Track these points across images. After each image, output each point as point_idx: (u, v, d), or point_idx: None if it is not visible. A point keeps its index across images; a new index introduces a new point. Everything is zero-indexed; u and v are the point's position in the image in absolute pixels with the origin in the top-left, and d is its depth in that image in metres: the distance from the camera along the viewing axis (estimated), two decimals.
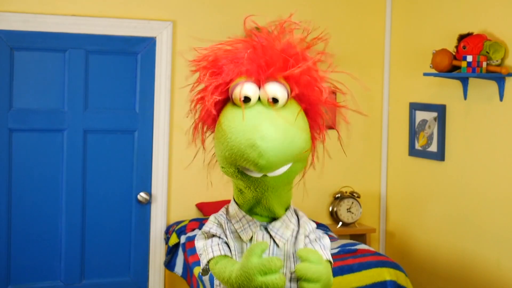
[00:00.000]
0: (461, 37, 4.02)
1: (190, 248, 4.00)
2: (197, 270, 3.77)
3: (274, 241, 1.82)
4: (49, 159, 4.30)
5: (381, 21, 4.90)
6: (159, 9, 4.46)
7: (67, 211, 4.34)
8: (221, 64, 1.76)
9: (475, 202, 4.12)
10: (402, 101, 4.76)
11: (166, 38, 4.44)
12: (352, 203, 4.78)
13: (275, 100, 1.70)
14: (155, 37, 4.44)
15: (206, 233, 1.87)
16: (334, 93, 1.83)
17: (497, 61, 3.88)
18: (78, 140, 4.34)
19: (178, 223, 4.36)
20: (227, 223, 1.85)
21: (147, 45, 4.43)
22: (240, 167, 1.71)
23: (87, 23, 4.31)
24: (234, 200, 1.87)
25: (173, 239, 4.24)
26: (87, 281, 4.42)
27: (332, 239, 4.13)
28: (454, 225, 4.29)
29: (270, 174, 1.70)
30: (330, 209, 4.83)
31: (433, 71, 4.22)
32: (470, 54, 3.90)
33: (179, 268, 4.18)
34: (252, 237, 1.82)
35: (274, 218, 1.84)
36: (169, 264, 4.29)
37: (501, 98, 3.92)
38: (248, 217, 1.83)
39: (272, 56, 1.73)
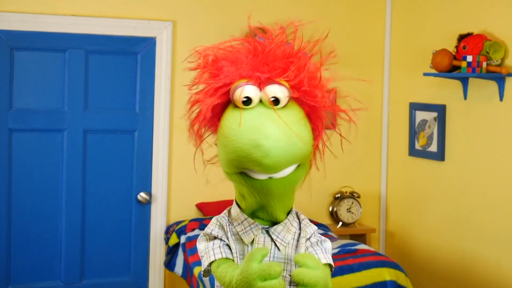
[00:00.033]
0: (461, 37, 4.02)
1: (190, 248, 4.00)
2: (197, 270, 3.77)
3: (276, 245, 1.82)
4: (49, 159, 4.31)
5: (381, 21, 4.90)
6: (159, 9, 4.46)
7: (67, 211, 4.34)
8: (221, 65, 1.76)
9: (475, 202, 4.12)
10: (402, 101, 4.76)
11: (166, 38, 4.44)
12: (352, 203, 4.78)
13: (276, 101, 1.71)
14: (155, 37, 4.44)
15: (207, 235, 1.87)
16: (334, 94, 1.83)
17: (497, 61, 3.88)
18: (78, 140, 4.34)
19: (178, 223, 4.36)
20: (228, 225, 1.85)
21: (147, 45, 4.43)
22: (245, 170, 1.71)
23: (87, 23, 4.31)
24: (236, 203, 1.87)
25: (173, 239, 4.24)
26: (87, 281, 4.42)
27: (332, 239, 4.13)
28: (454, 225, 4.29)
29: (275, 176, 1.70)
30: (330, 209, 4.83)
31: (433, 71, 4.22)
32: (470, 54, 3.90)
33: (179, 268, 4.18)
34: (253, 240, 1.82)
35: (275, 221, 1.85)
36: (169, 264, 4.29)
37: (501, 98, 3.92)
38: (250, 220, 1.83)
39: (274, 60, 1.73)
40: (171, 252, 4.29)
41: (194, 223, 4.24)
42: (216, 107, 1.77)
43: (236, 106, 1.73)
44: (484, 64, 3.88)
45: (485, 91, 4.03)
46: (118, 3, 4.39)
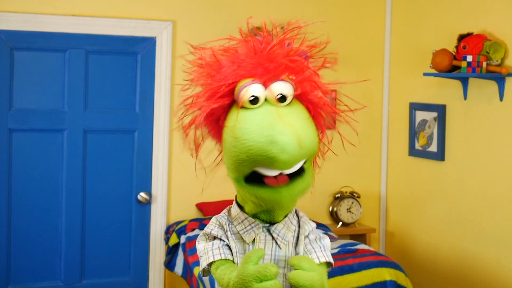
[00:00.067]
0: (461, 37, 4.02)
1: (190, 248, 4.00)
2: (197, 270, 3.77)
3: (276, 243, 1.83)
4: (49, 159, 4.31)
5: (381, 21, 4.90)
6: (159, 9, 4.46)
7: (67, 211, 4.34)
8: (221, 65, 1.76)
9: (475, 202, 4.12)
10: (402, 101, 4.76)
11: (166, 38, 4.44)
12: (352, 203, 4.78)
13: (282, 98, 1.71)
14: (155, 37, 4.44)
15: (207, 234, 1.88)
16: (334, 94, 1.84)
17: (497, 61, 3.88)
18: (78, 140, 4.34)
19: (178, 223, 4.36)
20: (228, 225, 1.86)
21: (147, 45, 4.43)
22: (256, 169, 1.71)
23: (87, 23, 4.31)
24: (237, 202, 1.87)
25: (173, 239, 4.24)
26: (87, 281, 4.42)
27: (332, 239, 4.13)
28: (454, 225, 4.29)
29: (287, 172, 1.70)
30: (330, 209, 4.83)
31: (433, 71, 4.22)
32: (470, 54, 3.90)
33: (179, 268, 4.18)
34: (254, 239, 1.82)
35: (275, 221, 1.85)
36: (169, 264, 4.29)
37: (501, 98, 3.92)
38: (250, 219, 1.83)
39: (275, 58, 1.74)
40: (171, 252, 4.29)
41: (194, 223, 4.24)
42: (216, 109, 1.77)
43: (241, 107, 1.73)
44: (484, 64, 3.88)
45: (485, 91, 4.03)
46: (118, 3, 4.39)
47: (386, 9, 4.88)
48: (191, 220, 4.30)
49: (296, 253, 1.84)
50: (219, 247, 1.83)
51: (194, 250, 3.92)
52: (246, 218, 1.84)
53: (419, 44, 4.57)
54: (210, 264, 1.83)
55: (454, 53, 4.07)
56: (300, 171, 1.74)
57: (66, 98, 4.31)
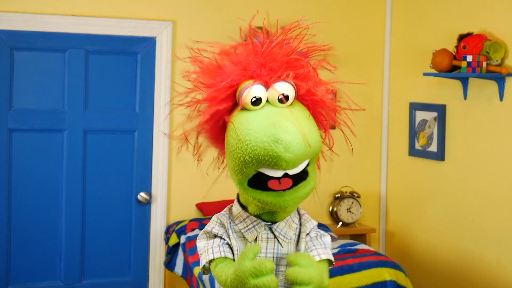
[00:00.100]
0: (461, 37, 4.03)
1: (190, 248, 4.00)
2: (197, 270, 3.77)
3: (278, 241, 1.83)
4: (49, 159, 4.31)
5: (381, 21, 4.90)
6: (159, 9, 4.46)
7: (67, 211, 4.34)
8: (223, 68, 1.76)
9: (475, 202, 4.13)
10: (402, 101, 4.76)
11: (166, 38, 4.44)
12: (352, 203, 4.78)
13: (284, 98, 1.72)
14: (155, 37, 4.44)
15: (208, 232, 1.88)
16: (334, 94, 1.85)
17: (497, 61, 3.88)
18: (78, 140, 4.34)
19: (178, 223, 4.36)
20: (229, 223, 1.86)
21: (147, 45, 4.43)
22: (260, 169, 1.71)
23: (87, 23, 4.31)
24: (238, 201, 1.88)
25: (173, 239, 4.24)
26: (87, 281, 4.42)
27: (332, 239, 4.11)
28: (454, 225, 4.30)
29: (291, 172, 1.71)
30: (330, 209, 4.83)
31: (433, 71, 4.22)
32: (470, 54, 3.90)
33: (179, 268, 4.18)
34: (257, 237, 1.83)
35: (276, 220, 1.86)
36: (169, 264, 4.29)
37: (501, 98, 3.92)
38: (252, 217, 1.84)
39: (275, 59, 1.74)
40: (171, 252, 4.29)
41: (194, 223, 4.25)
42: (219, 112, 1.78)
43: (243, 109, 1.73)
44: (484, 64, 3.88)
45: (485, 91, 4.03)
46: (118, 3, 4.39)
47: (386, 9, 4.88)
48: (191, 220, 4.30)
49: (298, 251, 1.85)
50: (219, 245, 1.83)
51: (194, 250, 3.92)
52: (248, 217, 1.84)
53: (419, 44, 4.57)
54: (210, 262, 1.83)
55: (454, 53, 4.07)
56: (304, 175, 1.74)
57: (66, 98, 4.31)
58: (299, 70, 1.75)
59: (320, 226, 4.37)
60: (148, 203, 4.48)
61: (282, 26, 1.81)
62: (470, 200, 4.16)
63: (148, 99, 4.45)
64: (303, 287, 1.71)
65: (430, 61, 4.17)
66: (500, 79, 3.89)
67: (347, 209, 4.77)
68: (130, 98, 4.43)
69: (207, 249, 1.84)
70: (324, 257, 1.85)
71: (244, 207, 1.86)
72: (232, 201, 1.93)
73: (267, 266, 1.67)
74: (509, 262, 3.90)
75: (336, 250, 3.80)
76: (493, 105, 3.98)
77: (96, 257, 4.42)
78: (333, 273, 3.54)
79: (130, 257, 4.49)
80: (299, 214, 1.90)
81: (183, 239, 4.15)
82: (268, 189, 1.73)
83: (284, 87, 1.73)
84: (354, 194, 4.81)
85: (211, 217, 1.93)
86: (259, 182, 1.73)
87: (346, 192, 4.82)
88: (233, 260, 1.83)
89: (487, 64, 3.90)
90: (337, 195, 4.80)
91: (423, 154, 4.53)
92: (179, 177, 4.51)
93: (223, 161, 1.94)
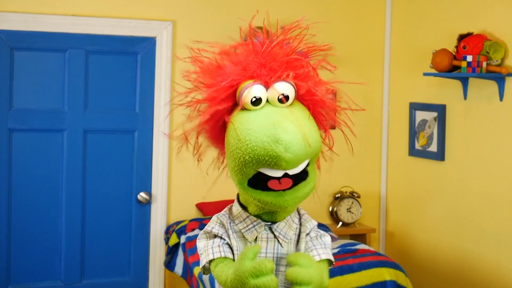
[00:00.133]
0: (461, 37, 4.03)
1: (190, 248, 4.00)
2: (197, 270, 3.77)
3: (278, 241, 1.83)
4: (49, 159, 4.31)
5: (381, 21, 4.90)
6: (159, 9, 4.46)
7: (67, 211, 4.34)
8: (223, 68, 1.76)
9: (475, 202, 4.12)
10: (402, 101, 4.76)
11: (166, 38, 4.44)
12: (352, 203, 4.78)
13: (284, 98, 1.72)
14: (155, 37, 4.44)
15: (208, 232, 1.88)
16: (334, 94, 1.85)
17: (497, 61, 3.88)
18: (78, 140, 4.34)
19: (178, 223, 4.36)
20: (230, 223, 1.86)
21: (147, 45, 4.43)
22: (260, 169, 1.71)
23: (87, 23, 4.31)
24: (238, 201, 1.88)
25: (173, 239, 4.24)
26: (87, 281, 4.42)
27: (332, 239, 4.12)
28: (454, 225, 4.29)
29: (291, 172, 1.70)
30: (330, 209, 4.83)
31: (433, 71, 4.22)
32: (470, 54, 3.90)
33: (179, 268, 4.18)
34: (257, 237, 1.83)
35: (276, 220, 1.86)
36: (169, 264, 4.29)
37: (501, 98, 3.92)
38: (252, 217, 1.84)
39: (276, 58, 1.74)
40: (171, 252, 4.29)
41: (194, 223, 4.24)
42: (219, 112, 1.78)
43: (243, 109, 1.73)
44: (484, 64, 3.88)
45: (485, 91, 4.03)
46: (118, 3, 4.39)
47: (386, 9, 4.88)
48: (191, 220, 4.30)
49: (298, 251, 1.85)
50: (219, 245, 1.83)
51: (194, 250, 3.92)
52: (248, 217, 1.84)
53: (419, 44, 4.57)
54: (210, 262, 1.83)
55: (454, 53, 4.07)
56: (304, 175, 1.74)
57: (66, 98, 4.31)
58: (299, 70, 1.75)
59: (320, 226, 4.37)
60: (148, 203, 4.48)
61: (282, 26, 1.81)
62: (470, 200, 4.16)
63: (148, 99, 4.45)
64: (303, 287, 1.71)
65: (430, 61, 4.17)
66: (500, 79, 3.89)
67: (347, 209, 4.77)
68: (130, 98, 4.43)
69: (207, 249, 1.84)
70: (324, 257, 1.85)
71: (244, 207, 1.86)
72: (232, 201, 1.93)
73: (267, 266, 1.67)
74: (509, 262, 3.90)
75: (336, 250, 3.80)
76: (493, 105, 3.98)
77: (96, 257, 4.42)
78: (333, 273, 3.54)
79: (130, 257, 4.49)
80: (299, 214, 1.91)
81: (183, 239, 4.15)
82: (268, 189, 1.73)
83: (284, 87, 1.73)
84: (354, 194, 4.81)
85: (211, 217, 1.93)
86: (259, 182, 1.73)
87: (346, 192, 4.82)
88: (233, 260, 1.82)
89: (487, 64, 3.90)
90: (337, 195, 4.80)
91: (423, 154, 4.53)
92: (179, 177, 4.51)
93: (223, 161, 1.94)
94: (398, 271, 3.71)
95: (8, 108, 4.22)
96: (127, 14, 4.39)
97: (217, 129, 1.83)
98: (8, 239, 4.27)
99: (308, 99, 1.79)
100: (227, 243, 1.84)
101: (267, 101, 1.74)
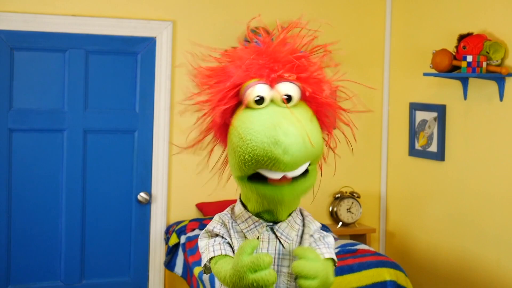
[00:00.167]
0: (461, 37, 4.03)
1: (190, 248, 4.00)
2: (197, 270, 3.77)
3: (280, 242, 1.83)
4: (49, 159, 4.30)
5: (381, 21, 4.90)
6: (159, 9, 4.46)
7: (67, 211, 4.34)
8: (228, 70, 1.76)
9: (475, 202, 4.13)
10: (402, 101, 4.76)
11: (166, 38, 4.44)
12: (352, 203, 4.78)
13: (288, 98, 1.71)
14: (155, 37, 4.44)
15: (209, 232, 1.88)
16: (336, 94, 1.85)
17: (497, 61, 3.88)
18: (78, 140, 4.34)
19: (178, 223, 4.36)
20: (231, 223, 1.86)
21: (147, 45, 4.43)
22: (259, 170, 1.71)
23: (87, 23, 4.31)
24: (241, 201, 1.88)
25: (173, 239, 4.24)
26: (87, 281, 4.42)
27: None
28: (454, 225, 4.30)
29: (290, 174, 1.70)
30: (330, 209, 4.83)
31: (433, 71, 4.22)
32: (470, 54, 3.90)
33: (179, 268, 4.18)
34: (258, 237, 1.83)
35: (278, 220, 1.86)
36: (169, 264, 4.29)
37: (501, 98, 3.92)
38: (254, 217, 1.84)
39: (279, 58, 1.74)
40: (171, 252, 4.29)
41: (194, 223, 4.24)
42: (225, 112, 1.77)
43: (247, 107, 1.73)
44: (484, 64, 3.88)
45: (485, 91, 4.03)
46: (118, 3, 4.39)
47: (386, 9, 4.88)
48: (191, 220, 4.30)
49: None
50: (220, 244, 1.83)
51: (194, 250, 3.92)
52: (249, 217, 1.84)
53: (419, 44, 4.57)
54: (211, 259, 1.83)
55: (454, 53, 4.07)
56: (304, 172, 1.74)
57: (66, 98, 4.31)
58: (302, 74, 1.74)
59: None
60: (148, 203, 4.48)
61: (282, 26, 1.81)
62: (470, 200, 4.16)
63: (148, 99, 4.45)
64: (309, 281, 1.69)
65: (430, 61, 4.17)
66: (500, 79, 3.89)
67: (347, 209, 4.77)
68: (130, 98, 4.43)
69: (208, 247, 1.84)
70: (328, 256, 1.85)
71: (246, 207, 1.85)
72: (233, 201, 1.93)
73: (265, 260, 1.66)
74: (509, 262, 3.90)
75: (336, 250, 3.80)
76: (493, 105, 3.98)
77: (96, 257, 4.42)
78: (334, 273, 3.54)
79: (130, 257, 4.49)
80: (302, 215, 1.90)
81: (183, 239, 4.15)
82: (267, 183, 1.72)
83: (288, 88, 1.73)
84: (354, 194, 4.80)
85: (211, 217, 1.93)
86: (258, 176, 1.73)
87: (346, 192, 4.82)
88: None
89: (487, 64, 3.90)
90: (337, 195, 4.80)
91: (423, 154, 4.53)
92: (179, 177, 4.51)
93: (224, 161, 1.94)
94: (398, 271, 3.71)
95: (8, 108, 4.22)
96: (127, 14, 4.39)
97: (222, 129, 1.83)
98: (8, 239, 4.27)
99: (313, 100, 1.78)
100: (228, 242, 1.84)
101: (272, 101, 1.74)
